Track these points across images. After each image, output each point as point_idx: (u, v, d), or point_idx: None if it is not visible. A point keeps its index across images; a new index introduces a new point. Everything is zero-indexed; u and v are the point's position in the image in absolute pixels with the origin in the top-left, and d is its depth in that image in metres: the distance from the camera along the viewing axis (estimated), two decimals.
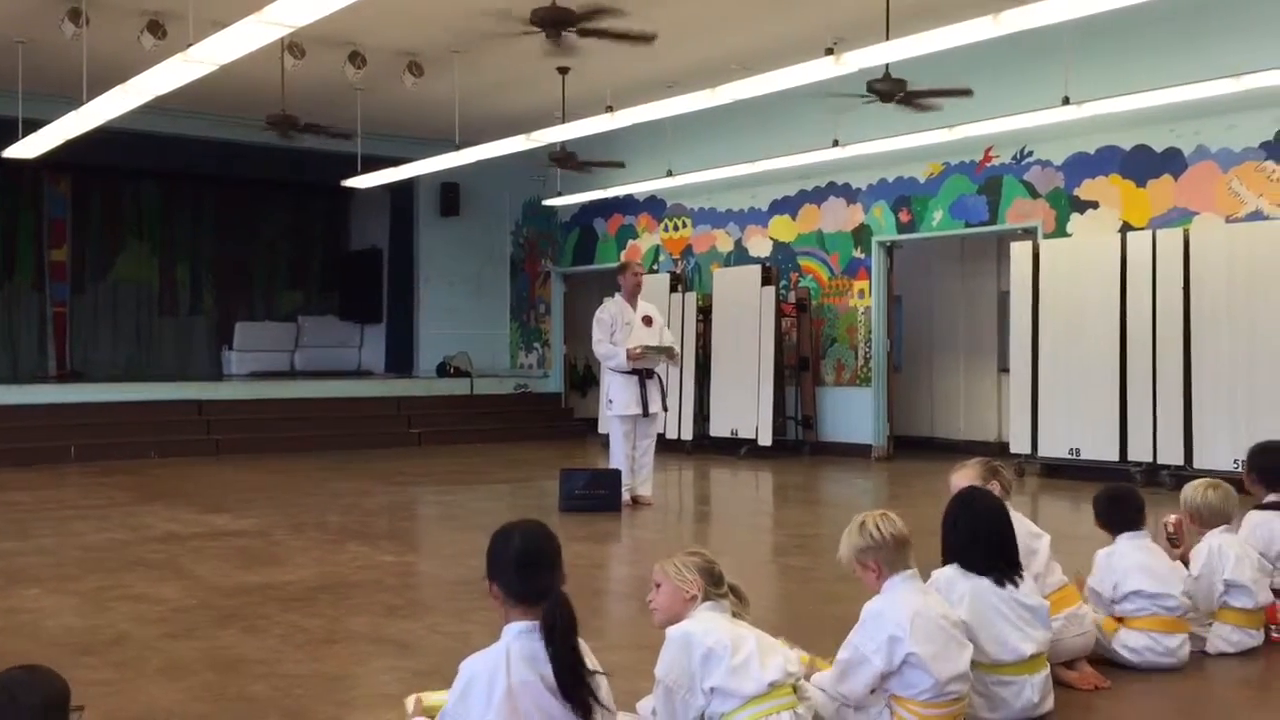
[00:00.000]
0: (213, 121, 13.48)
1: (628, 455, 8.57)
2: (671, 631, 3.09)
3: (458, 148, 11.75)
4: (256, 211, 17.34)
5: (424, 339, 16.44)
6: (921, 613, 3.31)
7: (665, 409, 9.09)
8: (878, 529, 3.39)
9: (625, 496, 8.54)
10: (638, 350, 8.48)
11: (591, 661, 2.81)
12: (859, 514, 3.48)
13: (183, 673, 4.21)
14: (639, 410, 8.57)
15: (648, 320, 8.74)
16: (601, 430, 9.34)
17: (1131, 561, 4.24)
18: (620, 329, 8.57)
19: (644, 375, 8.60)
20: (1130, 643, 4.16)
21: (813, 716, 3.18)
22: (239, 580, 5.89)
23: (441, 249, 16.48)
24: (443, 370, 16.16)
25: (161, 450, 12.34)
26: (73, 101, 9.26)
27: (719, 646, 2.99)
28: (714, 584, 3.20)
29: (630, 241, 15.72)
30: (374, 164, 12.92)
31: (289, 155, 13.31)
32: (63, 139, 10.08)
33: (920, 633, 3.26)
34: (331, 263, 18.14)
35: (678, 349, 9.12)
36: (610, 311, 8.66)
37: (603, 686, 2.81)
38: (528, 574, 2.78)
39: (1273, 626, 4.54)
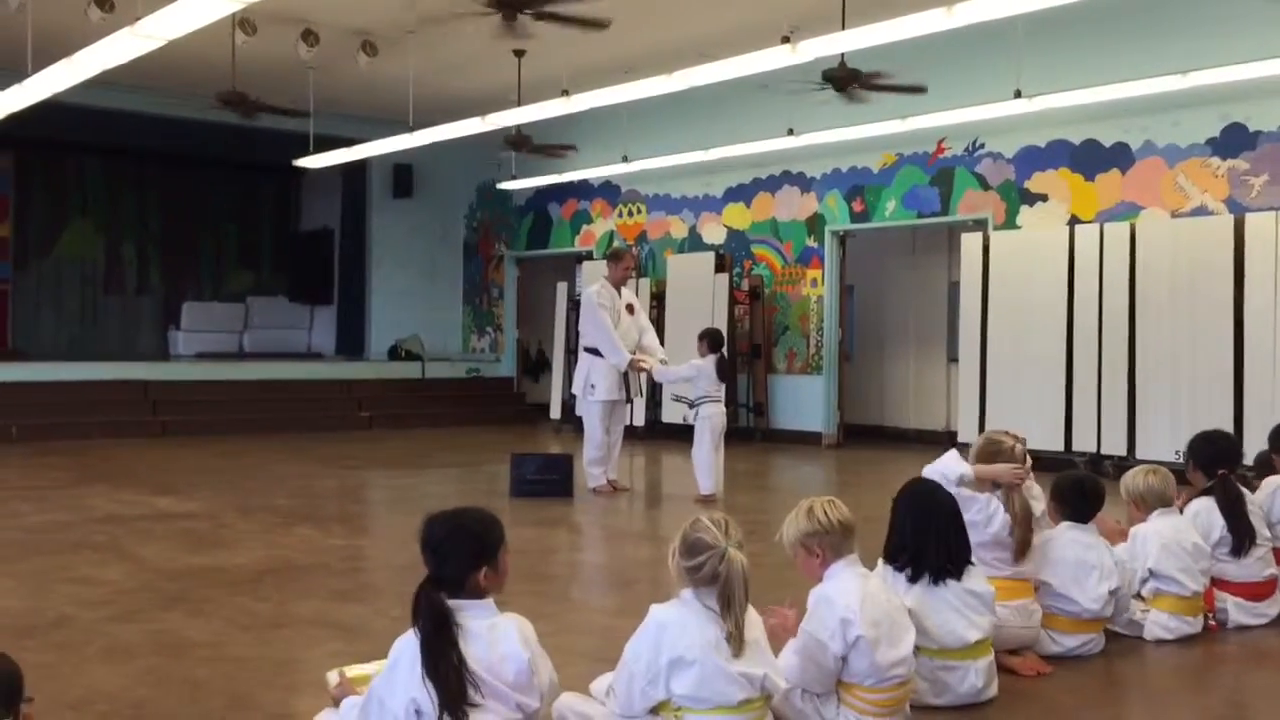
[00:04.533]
0: (161, 98, 13.27)
1: (604, 440, 8.56)
2: (651, 615, 3.05)
3: (412, 129, 11.64)
4: (205, 190, 17.11)
5: (375, 322, 16.33)
6: (868, 596, 3.35)
7: (641, 396, 9.12)
8: (825, 514, 3.40)
9: (603, 481, 8.53)
10: (647, 366, 8.52)
11: (528, 647, 2.81)
12: (805, 499, 3.50)
13: (126, 656, 4.16)
14: (621, 396, 8.57)
15: (630, 308, 8.72)
16: (577, 414, 9.29)
17: (1059, 554, 4.26)
18: (609, 317, 8.52)
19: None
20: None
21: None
22: (184, 563, 5.83)
23: (394, 231, 16.37)
24: (394, 353, 16.06)
25: (106, 431, 12.15)
26: (17, 75, 9.05)
27: (690, 654, 2.94)
28: (695, 568, 3.02)
29: (585, 227, 15.69)
30: (326, 144, 12.78)
31: (239, 133, 13.15)
32: (6, 113, 9.86)
33: (868, 616, 3.30)
34: (282, 243, 17.94)
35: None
36: (605, 297, 8.56)
37: (540, 673, 2.82)
38: (430, 560, 2.83)
39: (1209, 614, 4.64)
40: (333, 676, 3.20)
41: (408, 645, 2.76)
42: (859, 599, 3.31)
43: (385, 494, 9.14)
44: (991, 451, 4.21)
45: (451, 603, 2.77)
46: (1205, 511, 4.80)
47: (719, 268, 13.14)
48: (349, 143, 12.80)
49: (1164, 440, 9.18)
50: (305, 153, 12.74)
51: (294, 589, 5.30)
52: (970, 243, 10.95)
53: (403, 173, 16.10)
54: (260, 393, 14.03)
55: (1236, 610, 4.71)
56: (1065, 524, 4.37)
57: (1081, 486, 4.41)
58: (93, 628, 4.55)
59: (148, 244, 16.81)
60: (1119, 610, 4.35)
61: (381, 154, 13.35)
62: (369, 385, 15.03)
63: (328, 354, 16.83)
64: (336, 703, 3.04)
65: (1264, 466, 5.38)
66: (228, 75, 10.68)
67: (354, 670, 3.17)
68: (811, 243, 12.97)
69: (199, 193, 17.04)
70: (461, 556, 2.82)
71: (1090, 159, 10.61)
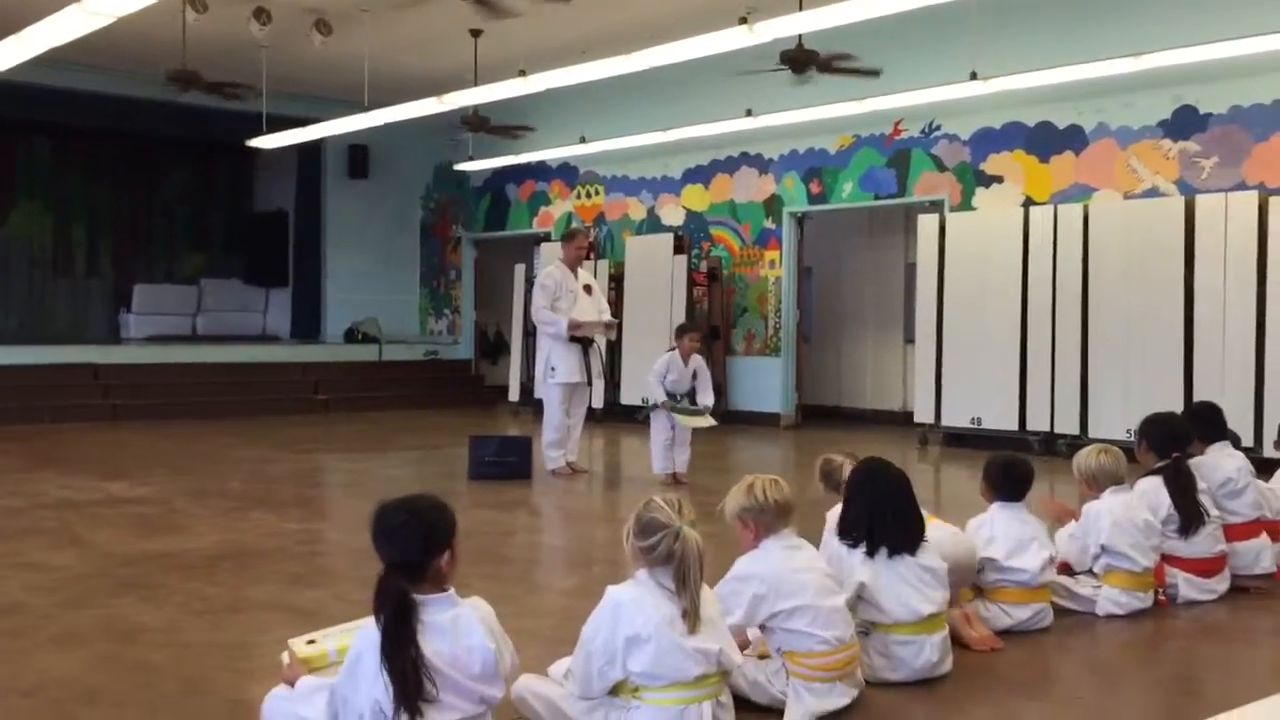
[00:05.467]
0: (111, 76, 13.05)
1: (562, 423, 8.56)
2: (607, 595, 3.06)
3: (367, 109, 11.53)
4: (156, 170, 16.83)
5: (331, 304, 16.19)
6: (790, 571, 3.42)
7: (602, 378, 9.13)
8: (764, 493, 3.47)
9: (561, 463, 8.53)
10: (580, 321, 8.46)
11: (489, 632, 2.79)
12: (749, 475, 3.55)
13: (78, 642, 4.11)
14: (581, 378, 8.59)
15: (588, 289, 8.74)
16: (537, 396, 9.31)
17: (996, 531, 4.34)
18: (564, 296, 8.54)
19: (585, 344, 8.60)
20: (983, 613, 4.26)
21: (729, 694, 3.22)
22: (137, 548, 5.76)
23: (350, 212, 16.22)
24: (350, 336, 15.93)
25: (55, 416, 11.97)
26: None
27: (645, 631, 2.95)
28: (650, 548, 3.04)
29: (543, 208, 15.63)
30: (280, 124, 12.62)
31: (191, 113, 12.96)
32: None
33: (787, 590, 3.38)
34: (235, 225, 17.71)
35: (615, 320, 9.11)
36: (554, 278, 8.61)
37: (504, 660, 2.81)
38: (382, 550, 2.76)
39: (1160, 589, 4.72)
40: (285, 656, 3.17)
41: (369, 640, 2.69)
42: (776, 576, 3.40)
43: (342, 477, 9.08)
44: (825, 471, 4.35)
45: (415, 597, 2.70)
46: (1153, 491, 4.87)
47: (677, 249, 13.14)
48: (303, 123, 12.65)
49: (1116, 419, 9.30)
50: (258, 133, 12.58)
51: (249, 574, 5.26)
52: (926, 224, 11.02)
53: (358, 153, 15.94)
54: (214, 376, 13.88)
55: (1186, 586, 4.79)
56: (997, 504, 4.45)
57: (1009, 469, 4.48)
58: (44, 613, 4.49)
59: (98, 225, 16.52)
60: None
61: (336, 134, 13.23)
62: (325, 368, 14.91)
63: (283, 337, 16.66)
64: (288, 684, 2.98)
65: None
66: (179, 54, 10.51)
67: (306, 650, 3.12)
68: (769, 224, 13.00)
69: (150, 173, 16.76)
70: (422, 542, 2.76)
71: (1044, 141, 10.70)
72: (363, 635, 2.73)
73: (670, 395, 8.09)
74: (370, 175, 16.14)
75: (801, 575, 3.45)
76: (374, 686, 2.64)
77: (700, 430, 8.21)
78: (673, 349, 8.26)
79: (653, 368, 8.20)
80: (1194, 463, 5.11)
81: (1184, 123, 9.81)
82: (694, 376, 8.12)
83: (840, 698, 3.41)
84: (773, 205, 12.95)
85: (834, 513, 4.00)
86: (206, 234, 17.55)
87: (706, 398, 8.15)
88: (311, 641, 3.16)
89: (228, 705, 3.49)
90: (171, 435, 11.07)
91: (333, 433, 11.74)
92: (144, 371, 13.52)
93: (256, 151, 14.02)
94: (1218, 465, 5.13)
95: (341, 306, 16.14)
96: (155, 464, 9.05)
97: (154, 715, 3.42)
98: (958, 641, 3.97)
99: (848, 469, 4.15)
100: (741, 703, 3.35)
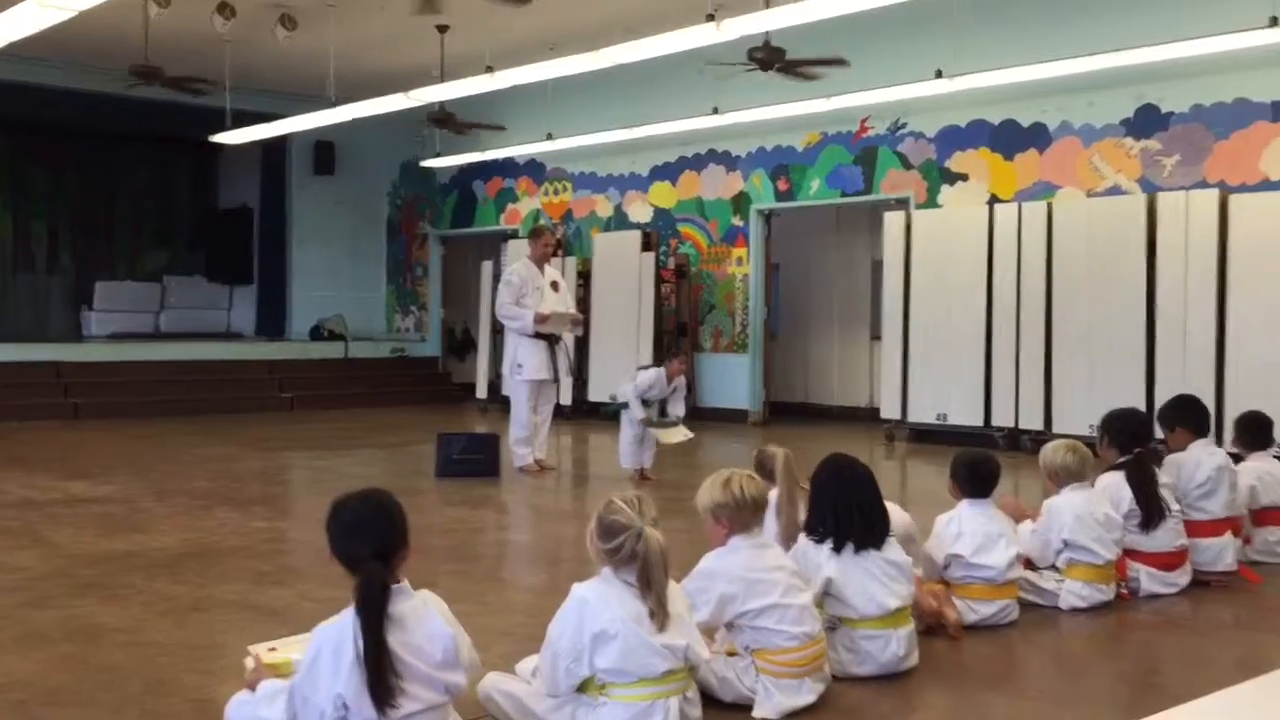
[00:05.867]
0: (72, 71, 12.90)
1: (530, 420, 8.54)
2: (573, 593, 3.06)
3: (333, 105, 11.45)
4: (119, 166, 16.64)
5: (297, 301, 16.08)
6: (758, 570, 3.42)
7: (570, 375, 9.12)
8: (741, 489, 3.46)
9: (529, 460, 8.51)
10: (545, 315, 8.42)
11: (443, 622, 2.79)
12: (726, 469, 3.55)
13: (40, 642, 4.06)
14: (549, 375, 8.58)
15: (554, 285, 8.74)
16: (504, 393, 9.30)
17: (964, 528, 4.37)
18: (531, 293, 8.52)
19: (552, 340, 8.58)
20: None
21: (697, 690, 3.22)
22: (100, 548, 5.70)
23: (315, 209, 16.11)
24: (316, 333, 15.83)
25: (16, 414, 11.82)
26: None
27: (612, 627, 2.95)
28: (613, 550, 3.02)
29: (510, 205, 15.58)
30: (244, 120, 12.52)
31: (154, 108, 12.82)
32: None
33: (756, 590, 3.39)
34: (199, 221, 17.55)
35: (580, 315, 9.19)
36: (520, 275, 8.60)
37: (463, 649, 2.80)
38: (351, 543, 2.75)
39: (1122, 582, 4.77)
40: (249, 661, 3.15)
41: (329, 637, 2.69)
42: (743, 575, 3.39)
43: (308, 475, 9.02)
44: (759, 461, 4.37)
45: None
46: (1115, 485, 4.92)
47: (645, 246, 13.14)
48: (268, 118, 12.55)
49: (1079, 415, 9.39)
50: (222, 129, 12.46)
51: (214, 573, 5.21)
52: (893, 221, 11.08)
53: (324, 150, 15.84)
54: (178, 374, 13.75)
55: (1148, 579, 4.85)
56: (965, 502, 4.47)
57: (976, 467, 4.51)
58: (6, 614, 4.43)
59: (59, 222, 16.31)
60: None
61: (302, 130, 13.14)
62: (291, 366, 14.81)
63: (248, 334, 16.53)
64: (251, 688, 2.96)
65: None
66: (141, 48, 10.39)
67: (270, 656, 3.10)
68: (737, 221, 13.03)
69: (112, 170, 16.57)
70: (394, 534, 2.79)
71: (1009, 139, 10.78)
72: (322, 632, 2.72)
73: (644, 404, 8.07)
74: (336, 172, 16.04)
75: (770, 574, 3.45)
76: (335, 682, 2.63)
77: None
78: (647, 366, 8.30)
79: (635, 382, 8.07)
80: (1173, 459, 5.17)
81: (1146, 121, 9.92)
82: (673, 391, 8.13)
83: (808, 694, 3.43)
84: (740, 202, 12.98)
85: (773, 494, 4.02)
86: (169, 230, 17.37)
87: (678, 409, 8.17)
88: (273, 649, 3.15)
89: (193, 705, 3.46)
90: (134, 434, 10.95)
91: (298, 431, 11.65)
92: (106, 369, 13.37)
93: (220, 147, 13.90)
94: (1200, 463, 5.18)
95: (307, 304, 16.03)
96: (118, 463, 8.96)
97: (118, 716, 3.39)
98: (929, 615, 4.04)
99: (780, 460, 4.19)
100: (709, 699, 3.35)
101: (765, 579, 3.43)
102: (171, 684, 3.64)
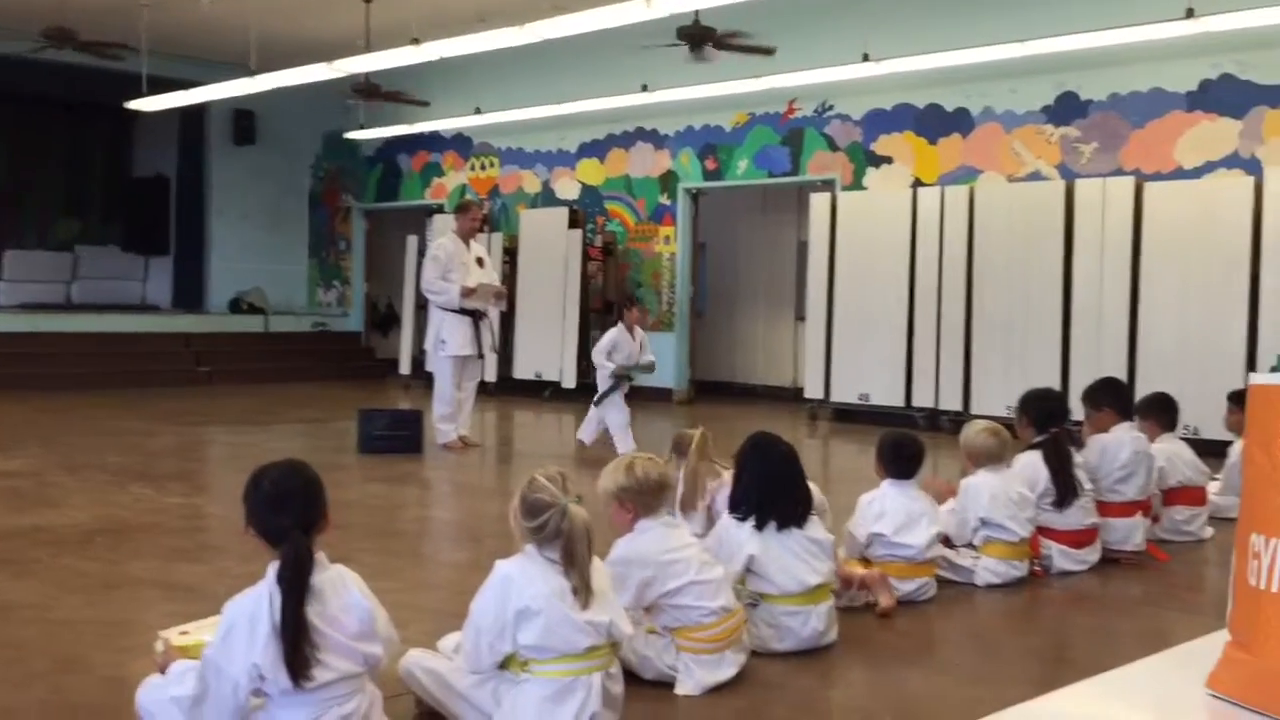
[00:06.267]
0: None
1: (454, 396, 8.48)
2: (496, 570, 3.04)
3: (254, 73, 11.20)
4: (28, 132, 16.09)
5: (215, 273, 15.75)
6: (671, 550, 3.44)
7: (495, 351, 9.08)
8: (645, 472, 3.46)
9: (453, 437, 8.46)
10: (471, 288, 8.36)
11: (363, 598, 2.77)
12: (627, 454, 3.56)
13: None
14: (473, 351, 8.52)
15: (480, 261, 8.70)
16: (428, 369, 9.22)
17: (886, 507, 4.45)
18: (456, 269, 8.45)
19: (476, 316, 8.52)
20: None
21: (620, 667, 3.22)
22: (7, 523, 5.54)
23: (235, 179, 15.78)
24: (235, 306, 15.54)
25: None
26: None
27: (535, 604, 2.94)
28: (538, 528, 3.00)
29: (436, 179, 15.41)
30: (162, 86, 12.19)
31: (66, 72, 12.43)
32: None
33: (672, 570, 3.41)
34: (113, 190, 17.06)
35: (504, 289, 9.23)
36: (446, 249, 8.53)
37: (380, 620, 2.79)
38: (273, 514, 2.72)
39: (1035, 560, 4.88)
40: (158, 645, 3.09)
41: (243, 609, 2.66)
42: (659, 556, 3.41)
43: (226, 451, 8.86)
44: (675, 441, 4.56)
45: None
46: (1033, 464, 5.03)
47: (572, 223, 13.09)
48: (186, 86, 12.23)
49: (997, 396, 9.58)
50: (138, 95, 12.13)
51: (127, 549, 5.10)
52: (819, 203, 11.17)
53: (244, 119, 15.50)
54: (91, 346, 13.40)
55: (1060, 557, 4.96)
56: (888, 481, 4.55)
57: (900, 448, 4.58)
58: None
59: None
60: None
61: (221, 98, 12.84)
62: (208, 339, 14.52)
63: (164, 306, 16.14)
64: (162, 670, 2.92)
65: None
66: (54, 10, 10.06)
67: (181, 639, 3.05)
68: (664, 200, 13.03)
69: (21, 135, 16.01)
70: (309, 507, 2.76)
71: (933, 123, 10.92)
72: (235, 605, 2.69)
73: (625, 375, 8.28)
74: (257, 142, 15.72)
75: (682, 552, 3.47)
76: (251, 652, 2.61)
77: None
78: (617, 324, 8.44)
79: (597, 348, 8.34)
80: (1097, 440, 5.29)
81: (1066, 109, 10.11)
82: (639, 344, 8.41)
83: (729, 667, 3.46)
84: (668, 181, 12.98)
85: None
86: (82, 199, 16.87)
87: (647, 355, 8.52)
88: (184, 633, 3.09)
89: (104, 683, 3.38)
90: (45, 407, 10.66)
91: (216, 406, 11.44)
92: (15, 340, 12.98)
93: (136, 114, 13.53)
94: (1123, 446, 5.30)
95: (226, 276, 15.72)
96: (27, 436, 8.72)
97: (26, 692, 3.30)
98: (858, 586, 4.20)
99: (695, 439, 4.35)
100: (630, 677, 3.36)
101: (679, 558, 3.45)
102: (82, 661, 3.56)
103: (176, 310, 15.75)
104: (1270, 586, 1.96)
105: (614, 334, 8.36)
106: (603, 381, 8.36)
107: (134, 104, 12.38)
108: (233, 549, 5.05)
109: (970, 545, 4.80)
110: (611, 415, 8.31)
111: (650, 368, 8.53)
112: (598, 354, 8.35)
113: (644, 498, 3.46)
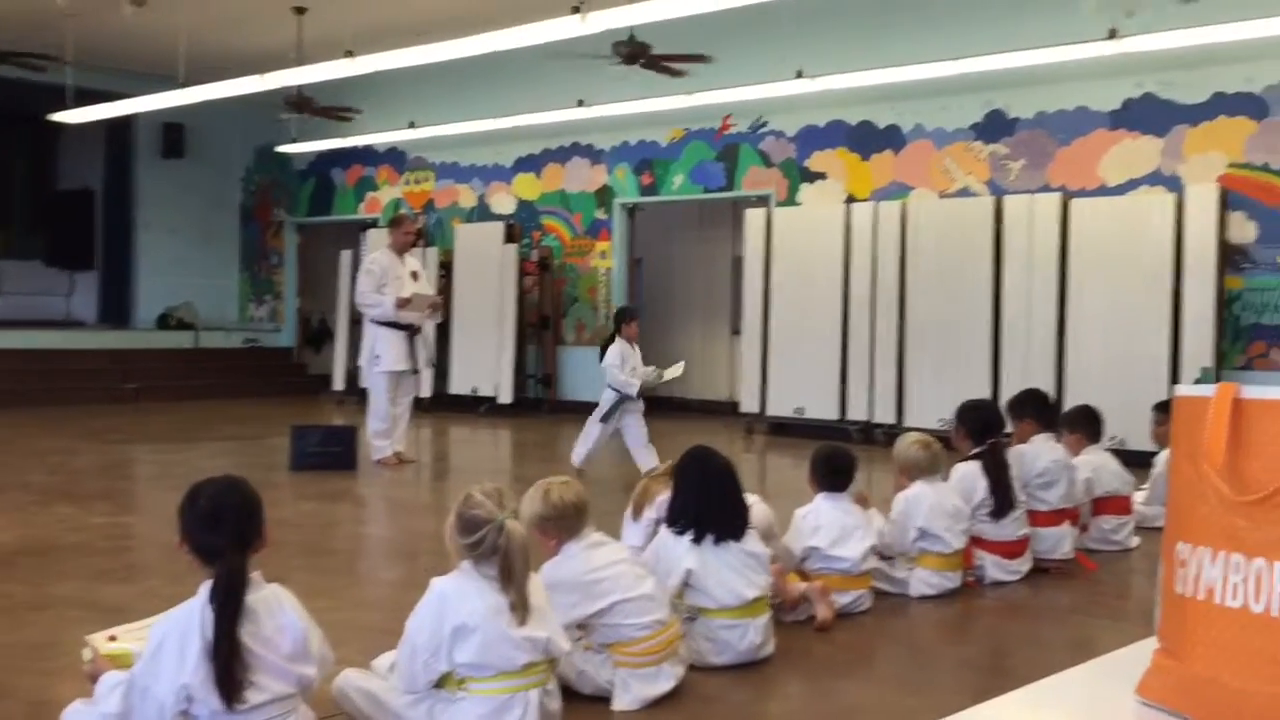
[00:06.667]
0: None
1: (389, 412, 8.39)
2: (431, 588, 3.01)
3: (182, 85, 11.03)
4: None
5: (143, 288, 15.46)
6: (597, 571, 3.42)
7: (431, 366, 9.00)
8: (560, 498, 3.45)
9: (388, 453, 8.37)
10: (406, 298, 8.30)
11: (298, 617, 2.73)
12: (542, 480, 3.52)
13: None
14: (408, 366, 8.44)
15: (415, 275, 8.63)
16: (362, 385, 9.11)
17: (821, 521, 4.48)
18: (391, 283, 8.38)
19: (411, 331, 8.44)
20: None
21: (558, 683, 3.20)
22: None
23: (163, 193, 15.50)
24: (164, 322, 15.26)
25: None
26: None
27: (472, 620, 2.91)
28: (474, 545, 2.98)
29: (370, 194, 15.28)
30: (87, 98, 11.95)
31: None
32: None
33: (598, 591, 3.40)
34: (36, 203, 16.68)
35: (439, 299, 9.14)
36: (380, 264, 8.46)
37: (314, 641, 2.75)
38: (208, 531, 2.67)
39: (968, 571, 4.94)
40: (86, 653, 3.02)
41: (173, 627, 2.61)
42: (584, 579, 3.39)
43: (153, 469, 8.68)
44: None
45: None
46: (970, 475, 5.10)
47: (508, 238, 13.06)
48: (112, 97, 12.01)
49: (930, 409, 9.70)
50: (62, 107, 11.88)
51: (52, 570, 4.97)
52: (754, 218, 11.25)
53: (173, 132, 15.24)
54: (12, 363, 13.05)
55: (993, 567, 5.03)
56: (822, 495, 4.58)
57: (831, 461, 4.62)
58: None
59: None
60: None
61: (149, 111, 12.62)
62: (136, 355, 14.23)
63: (89, 322, 15.81)
64: (91, 679, 2.85)
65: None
66: None
67: (109, 647, 2.97)
68: (601, 215, 13.05)
69: None
70: (253, 521, 2.72)
71: (865, 140, 11.06)
72: (166, 621, 2.64)
73: (643, 390, 7.93)
74: (186, 155, 15.47)
75: (609, 571, 3.45)
76: (180, 673, 2.55)
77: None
78: (613, 339, 8.01)
79: (608, 364, 7.86)
80: (1015, 450, 5.37)
81: (994, 126, 10.30)
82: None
83: (667, 680, 3.45)
84: (604, 196, 13.00)
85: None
86: (5, 212, 16.48)
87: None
88: (113, 639, 3.02)
89: (29, 708, 3.29)
90: None
91: (143, 423, 11.21)
92: None
93: (61, 126, 13.26)
94: (1039, 455, 5.39)
95: (154, 291, 15.43)
96: None
97: None
98: (790, 602, 4.16)
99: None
100: (568, 692, 3.34)
101: (605, 577, 3.43)
102: (5, 686, 3.45)
103: (102, 326, 15.44)
104: (1196, 594, 2.00)
105: (619, 349, 7.91)
106: (605, 399, 7.95)
107: (58, 116, 12.13)
108: (160, 569, 4.95)
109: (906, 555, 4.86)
110: (631, 433, 7.98)
111: (662, 369, 8.11)
112: (614, 371, 7.84)
113: (564, 522, 3.45)
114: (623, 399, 7.88)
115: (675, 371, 8.14)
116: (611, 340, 8.01)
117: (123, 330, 15.10)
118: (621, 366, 7.87)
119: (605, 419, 7.94)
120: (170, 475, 8.06)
